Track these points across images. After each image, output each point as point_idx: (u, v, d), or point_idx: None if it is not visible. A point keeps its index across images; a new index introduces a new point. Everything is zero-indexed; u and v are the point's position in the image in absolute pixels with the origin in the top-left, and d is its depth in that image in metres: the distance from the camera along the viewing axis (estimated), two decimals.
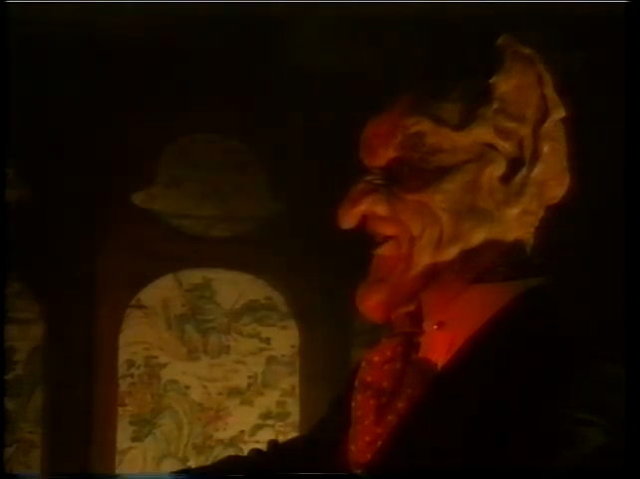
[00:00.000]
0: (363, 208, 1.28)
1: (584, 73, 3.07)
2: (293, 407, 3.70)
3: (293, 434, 3.47)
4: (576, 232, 2.92)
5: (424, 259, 1.25)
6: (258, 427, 3.68)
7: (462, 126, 1.25)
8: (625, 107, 1.38)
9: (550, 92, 1.28)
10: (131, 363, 3.59)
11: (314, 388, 3.60)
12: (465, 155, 1.26)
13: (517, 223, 1.27)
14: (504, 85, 1.27)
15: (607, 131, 2.31)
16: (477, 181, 1.25)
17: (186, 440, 3.63)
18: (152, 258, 3.57)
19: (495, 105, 1.26)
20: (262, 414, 3.68)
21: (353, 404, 1.29)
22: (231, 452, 3.50)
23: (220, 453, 3.57)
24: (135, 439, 3.58)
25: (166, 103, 3.48)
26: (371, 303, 1.28)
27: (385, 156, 1.29)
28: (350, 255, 2.19)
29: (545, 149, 1.27)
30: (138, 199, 3.59)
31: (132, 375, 3.59)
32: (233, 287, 3.70)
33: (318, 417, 1.51)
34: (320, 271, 3.61)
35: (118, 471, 3.49)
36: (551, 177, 1.29)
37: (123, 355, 3.57)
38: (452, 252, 1.24)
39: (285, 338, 3.72)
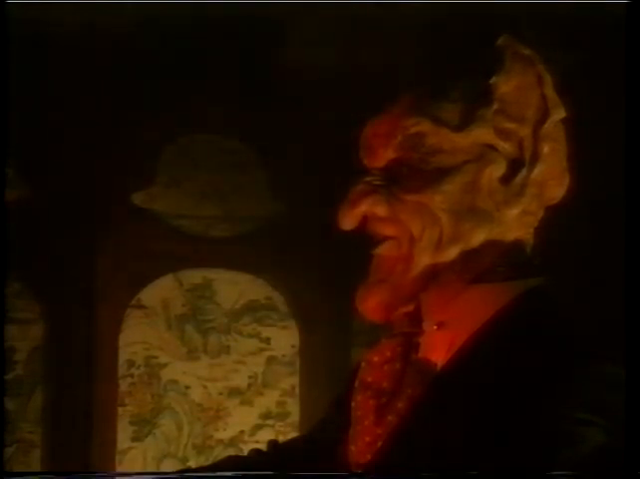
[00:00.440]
0: (363, 208, 1.28)
1: (584, 73, 3.07)
2: (293, 407, 3.70)
3: (293, 434, 3.47)
4: (576, 232, 2.92)
5: (424, 260, 1.25)
6: (258, 427, 3.67)
7: (461, 126, 1.25)
8: (625, 107, 1.38)
9: (550, 92, 1.28)
10: (131, 363, 3.59)
11: (314, 388, 3.60)
12: (464, 155, 1.26)
13: (517, 223, 1.27)
14: (504, 85, 1.27)
15: (607, 131, 2.31)
16: (476, 181, 1.25)
17: (186, 440, 3.63)
18: (152, 258, 3.57)
19: (495, 105, 1.26)
20: (262, 414, 3.68)
21: (353, 404, 1.29)
22: (231, 452, 3.50)
23: (220, 453, 3.57)
24: (135, 439, 3.58)
25: (167, 103, 3.48)
26: (371, 304, 1.28)
27: (384, 156, 1.29)
28: (350, 256, 2.19)
29: (545, 149, 1.27)
30: (138, 199, 3.59)
31: (132, 375, 3.59)
32: (233, 287, 3.70)
33: (318, 417, 1.51)
34: (320, 271, 3.60)
35: (118, 471, 3.49)
36: (551, 177, 1.29)
37: (123, 355, 3.57)
38: (452, 253, 1.25)
39: (285, 338, 3.71)
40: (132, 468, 3.53)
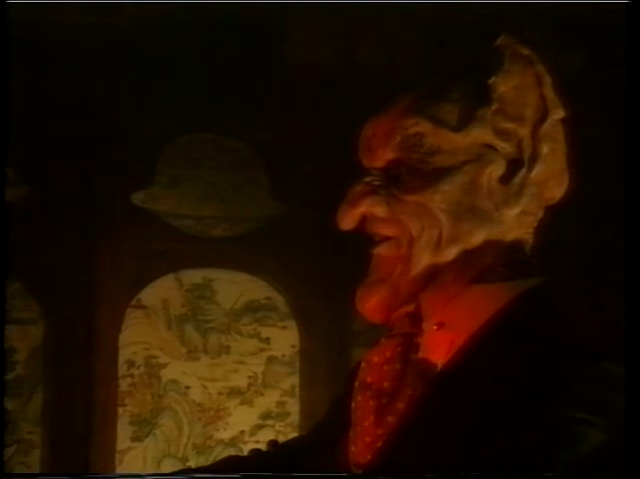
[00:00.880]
0: (362, 209, 1.28)
1: (584, 73, 3.07)
2: (293, 407, 3.70)
3: (293, 434, 3.47)
4: (576, 232, 2.92)
5: (423, 260, 1.25)
6: (258, 427, 3.67)
7: (461, 127, 1.25)
8: (625, 107, 1.38)
9: (549, 92, 1.28)
10: (131, 363, 3.59)
11: (314, 388, 3.60)
12: (464, 156, 1.26)
13: (517, 223, 1.27)
14: (503, 85, 1.27)
15: (607, 131, 2.31)
16: (476, 181, 1.25)
17: (186, 440, 3.63)
18: (152, 258, 3.57)
19: (495, 105, 1.26)
20: (262, 414, 3.68)
21: (353, 405, 1.29)
22: (231, 452, 3.50)
23: (220, 453, 3.57)
24: (135, 439, 3.58)
25: (167, 103, 3.47)
26: (370, 304, 1.28)
27: (384, 157, 1.29)
28: (350, 256, 2.19)
29: (544, 149, 1.27)
30: (138, 199, 3.59)
31: (132, 375, 3.59)
32: (233, 287, 3.70)
33: (318, 417, 1.51)
34: (320, 271, 3.61)
35: (118, 471, 3.49)
36: (551, 177, 1.29)
37: (123, 355, 3.57)
38: (451, 253, 1.25)
39: (285, 338, 3.71)
40: (132, 468, 3.53)
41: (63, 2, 3.12)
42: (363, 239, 1.31)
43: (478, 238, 1.25)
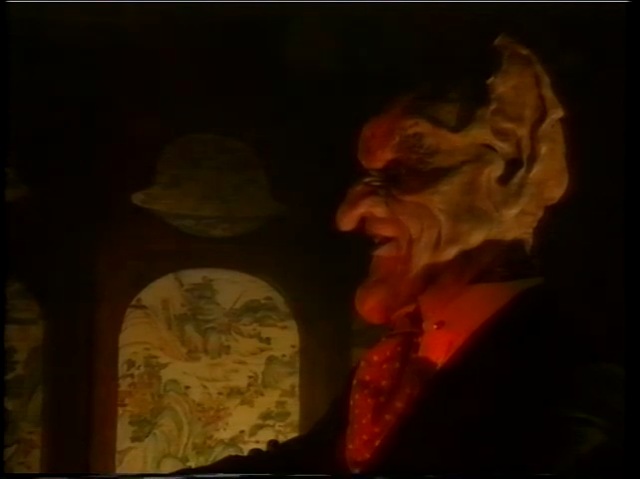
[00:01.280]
0: (362, 209, 1.28)
1: (584, 73, 3.07)
2: (293, 407, 3.70)
3: (293, 434, 3.47)
4: (575, 232, 2.92)
5: (422, 260, 1.25)
6: (258, 427, 3.67)
7: (459, 127, 1.25)
8: (625, 107, 1.38)
9: (548, 92, 1.28)
10: (131, 363, 3.59)
11: (314, 388, 3.60)
12: (462, 156, 1.26)
13: (516, 223, 1.27)
14: (502, 86, 1.27)
15: (607, 131, 2.31)
16: (475, 182, 1.25)
17: (186, 440, 3.63)
18: (152, 258, 3.57)
19: (493, 106, 1.26)
20: (262, 414, 3.68)
21: (351, 403, 1.29)
22: (231, 452, 3.50)
23: (220, 453, 3.57)
24: (135, 439, 3.58)
25: (167, 103, 3.48)
26: (370, 305, 1.28)
27: (383, 157, 1.29)
28: (349, 256, 2.19)
29: (543, 149, 1.27)
30: (138, 199, 3.59)
31: (132, 375, 3.59)
32: (233, 287, 3.70)
33: (318, 417, 1.51)
34: (320, 271, 3.61)
35: (118, 471, 3.49)
36: (550, 177, 1.29)
37: (123, 355, 3.57)
38: (450, 253, 1.24)
39: (285, 338, 3.71)
40: (132, 468, 3.53)
41: (63, 2, 3.12)
42: (362, 240, 1.31)
43: (477, 238, 1.25)
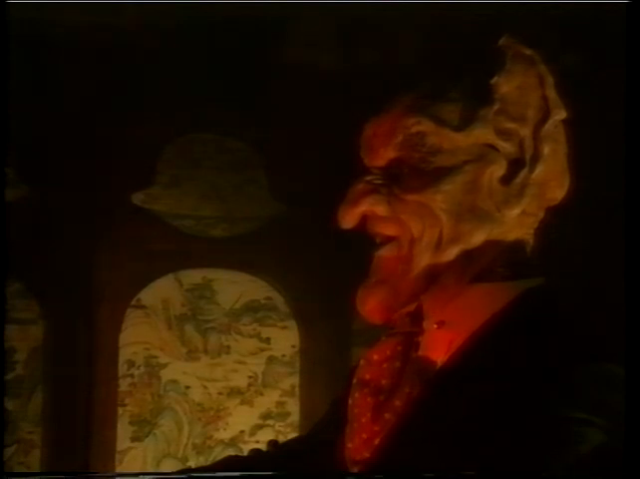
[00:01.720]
0: (363, 208, 1.28)
1: (584, 73, 3.07)
2: (293, 407, 3.70)
3: (293, 434, 3.47)
4: (576, 232, 2.92)
5: (424, 260, 1.25)
6: (258, 427, 3.68)
7: (462, 126, 1.25)
8: (625, 107, 1.38)
9: (551, 93, 1.28)
10: (131, 363, 3.59)
11: (314, 388, 3.60)
12: (465, 155, 1.26)
13: (518, 223, 1.27)
14: (505, 86, 1.26)
15: (607, 131, 2.31)
16: (477, 181, 1.25)
17: (186, 440, 3.63)
18: (152, 258, 3.57)
19: (496, 106, 1.26)
20: (262, 414, 3.68)
21: (350, 402, 1.29)
22: (231, 452, 3.50)
23: (220, 453, 3.57)
24: (135, 439, 3.58)
25: (167, 103, 3.48)
26: (371, 306, 1.28)
27: (385, 156, 1.29)
28: (350, 256, 2.19)
29: (546, 150, 1.27)
30: (138, 199, 3.59)
31: (132, 375, 3.59)
32: (233, 287, 3.70)
33: (318, 417, 1.51)
34: (320, 271, 3.61)
35: (118, 471, 3.49)
36: (552, 178, 1.29)
37: (123, 355, 3.57)
38: (452, 253, 1.24)
39: (285, 338, 3.72)
40: (132, 468, 3.53)
41: (63, 2, 3.12)
42: (363, 239, 1.31)
43: (478, 238, 1.25)
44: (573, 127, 1.31)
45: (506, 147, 1.26)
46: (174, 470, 3.01)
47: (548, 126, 1.27)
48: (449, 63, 1.34)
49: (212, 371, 3.66)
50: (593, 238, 3.12)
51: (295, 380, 3.71)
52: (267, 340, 3.71)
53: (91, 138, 3.45)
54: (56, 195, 3.46)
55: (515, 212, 1.26)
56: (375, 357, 1.29)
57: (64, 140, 3.44)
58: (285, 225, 3.64)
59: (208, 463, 3.18)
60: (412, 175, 1.26)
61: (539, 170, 1.27)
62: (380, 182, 1.28)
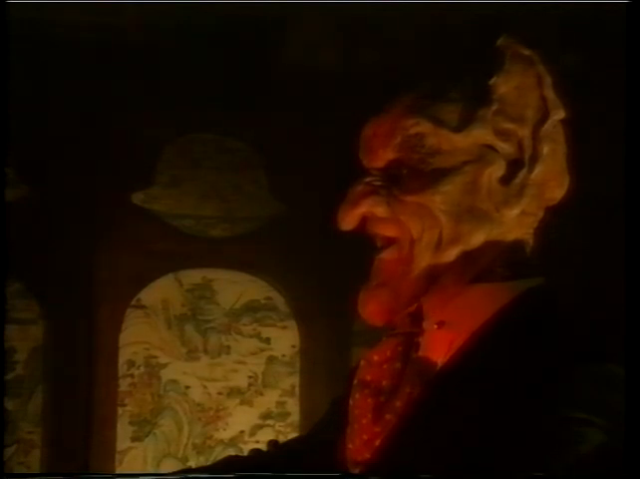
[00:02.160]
0: (363, 209, 1.28)
1: (584, 73, 3.07)
2: (293, 407, 3.70)
3: (293, 434, 3.47)
4: (576, 232, 2.92)
5: (424, 261, 1.25)
6: (258, 427, 3.68)
7: (461, 127, 1.25)
8: (625, 107, 1.38)
9: (550, 93, 1.28)
10: (131, 363, 3.60)
11: (314, 388, 3.60)
12: (464, 156, 1.26)
13: (517, 224, 1.27)
14: (504, 86, 1.26)
15: (607, 131, 2.31)
16: (476, 182, 1.25)
17: (186, 440, 3.63)
18: (152, 258, 3.57)
19: (495, 106, 1.26)
20: (262, 414, 3.68)
21: (351, 403, 1.29)
22: (231, 452, 3.50)
23: (220, 453, 3.57)
24: (135, 439, 3.58)
25: (167, 103, 3.48)
26: (372, 308, 1.27)
27: (384, 157, 1.29)
28: (350, 256, 2.19)
29: (545, 150, 1.27)
30: (138, 199, 3.59)
31: (132, 375, 3.59)
32: (233, 287, 3.70)
33: (318, 417, 1.51)
34: (320, 271, 3.61)
35: (118, 471, 3.49)
36: (551, 178, 1.29)
37: (123, 355, 3.57)
38: (451, 254, 1.24)
39: (285, 338, 3.72)
40: (132, 468, 3.53)
41: (63, 2, 3.12)
42: (363, 240, 1.31)
43: (478, 238, 1.25)
44: (573, 127, 1.31)
45: (505, 147, 1.26)
46: (174, 470, 3.01)
47: (547, 126, 1.27)
48: (449, 63, 1.34)
49: (212, 371, 3.66)
50: (593, 238, 3.12)
51: (295, 380, 3.71)
52: (267, 340, 3.71)
53: (91, 138, 3.45)
54: (56, 195, 3.46)
55: (515, 212, 1.26)
56: (375, 358, 1.29)
57: (64, 140, 3.44)
58: (285, 225, 3.64)
59: (208, 463, 3.18)
60: (411, 176, 1.26)
61: (538, 170, 1.27)
62: (379, 183, 1.28)
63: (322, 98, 3.47)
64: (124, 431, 3.56)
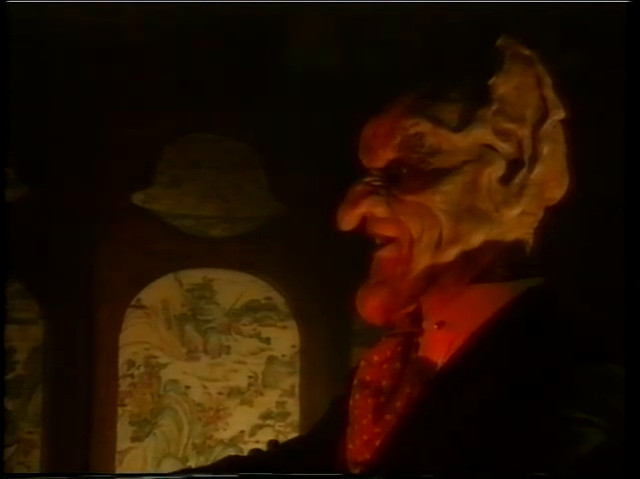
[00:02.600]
0: (362, 209, 1.28)
1: (584, 73, 3.07)
2: (293, 407, 3.70)
3: (293, 434, 3.47)
4: (576, 232, 2.92)
5: (423, 261, 1.25)
6: (258, 427, 3.67)
7: (461, 127, 1.25)
8: (625, 107, 1.38)
9: (550, 93, 1.28)
10: (131, 363, 3.59)
11: (314, 388, 3.60)
12: (464, 156, 1.26)
13: (517, 223, 1.27)
14: (504, 86, 1.27)
15: (607, 131, 2.31)
16: (476, 182, 1.25)
17: (186, 440, 3.63)
18: (152, 258, 3.57)
19: (495, 106, 1.26)
20: (262, 414, 3.68)
21: (351, 403, 1.29)
22: (231, 452, 3.50)
23: (220, 453, 3.57)
24: (135, 439, 3.58)
25: (167, 103, 3.48)
26: (371, 307, 1.27)
27: (384, 157, 1.29)
28: (350, 256, 2.19)
29: (545, 150, 1.27)
30: (138, 199, 3.59)
31: (132, 375, 3.59)
32: (233, 287, 3.70)
33: (318, 417, 1.51)
34: (320, 271, 3.61)
35: (118, 471, 3.49)
36: (551, 178, 1.29)
37: (123, 355, 3.57)
38: (451, 254, 1.24)
39: (285, 338, 3.71)
40: (132, 468, 3.53)
41: (63, 2, 3.12)
42: (363, 240, 1.31)
43: (478, 238, 1.25)
44: (573, 127, 1.31)
45: (505, 147, 1.26)
46: (174, 470, 3.01)
47: (547, 126, 1.27)
48: (449, 63, 1.35)
49: (212, 371, 3.66)
50: (593, 238, 3.11)
51: (295, 380, 3.70)
52: (267, 340, 3.71)
53: (91, 138, 3.45)
54: (56, 195, 3.46)
55: (515, 212, 1.26)
56: (375, 358, 1.29)
57: (64, 140, 3.44)
58: (285, 225, 3.64)
59: (208, 463, 3.18)
60: (411, 176, 1.26)
61: (538, 170, 1.27)
62: (379, 183, 1.28)
63: (322, 98, 3.47)
64: (124, 431, 3.56)
